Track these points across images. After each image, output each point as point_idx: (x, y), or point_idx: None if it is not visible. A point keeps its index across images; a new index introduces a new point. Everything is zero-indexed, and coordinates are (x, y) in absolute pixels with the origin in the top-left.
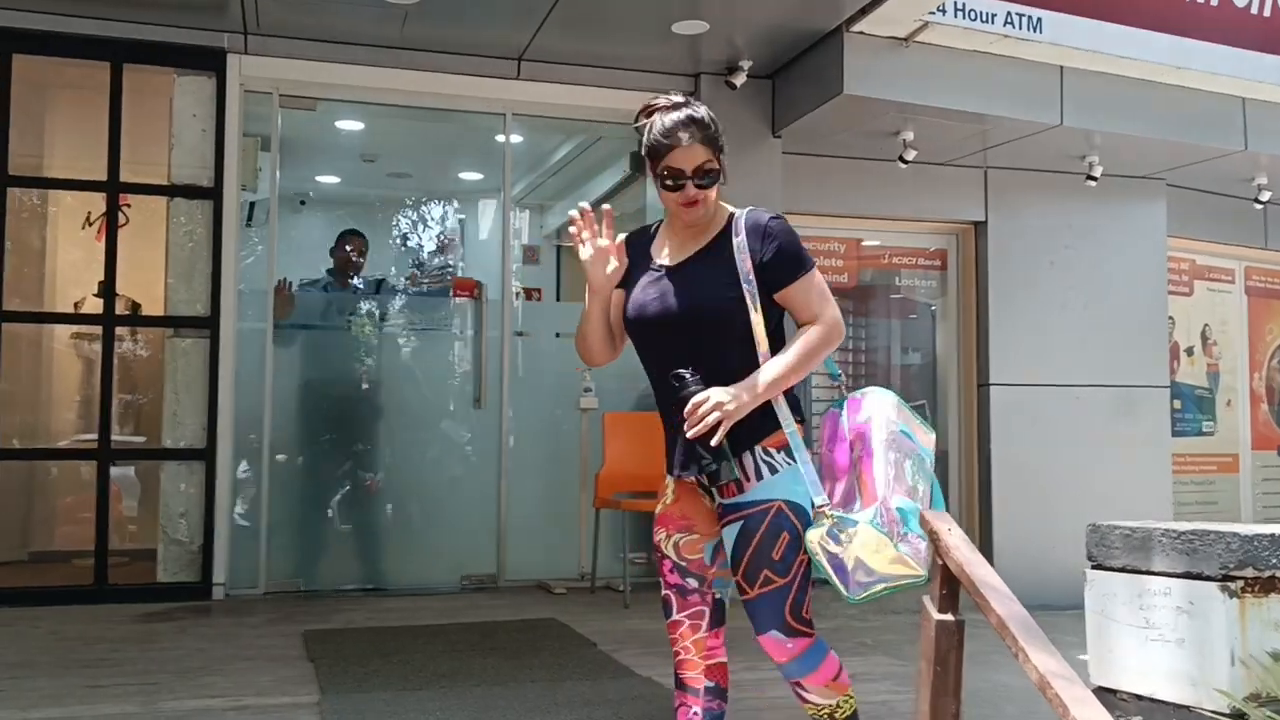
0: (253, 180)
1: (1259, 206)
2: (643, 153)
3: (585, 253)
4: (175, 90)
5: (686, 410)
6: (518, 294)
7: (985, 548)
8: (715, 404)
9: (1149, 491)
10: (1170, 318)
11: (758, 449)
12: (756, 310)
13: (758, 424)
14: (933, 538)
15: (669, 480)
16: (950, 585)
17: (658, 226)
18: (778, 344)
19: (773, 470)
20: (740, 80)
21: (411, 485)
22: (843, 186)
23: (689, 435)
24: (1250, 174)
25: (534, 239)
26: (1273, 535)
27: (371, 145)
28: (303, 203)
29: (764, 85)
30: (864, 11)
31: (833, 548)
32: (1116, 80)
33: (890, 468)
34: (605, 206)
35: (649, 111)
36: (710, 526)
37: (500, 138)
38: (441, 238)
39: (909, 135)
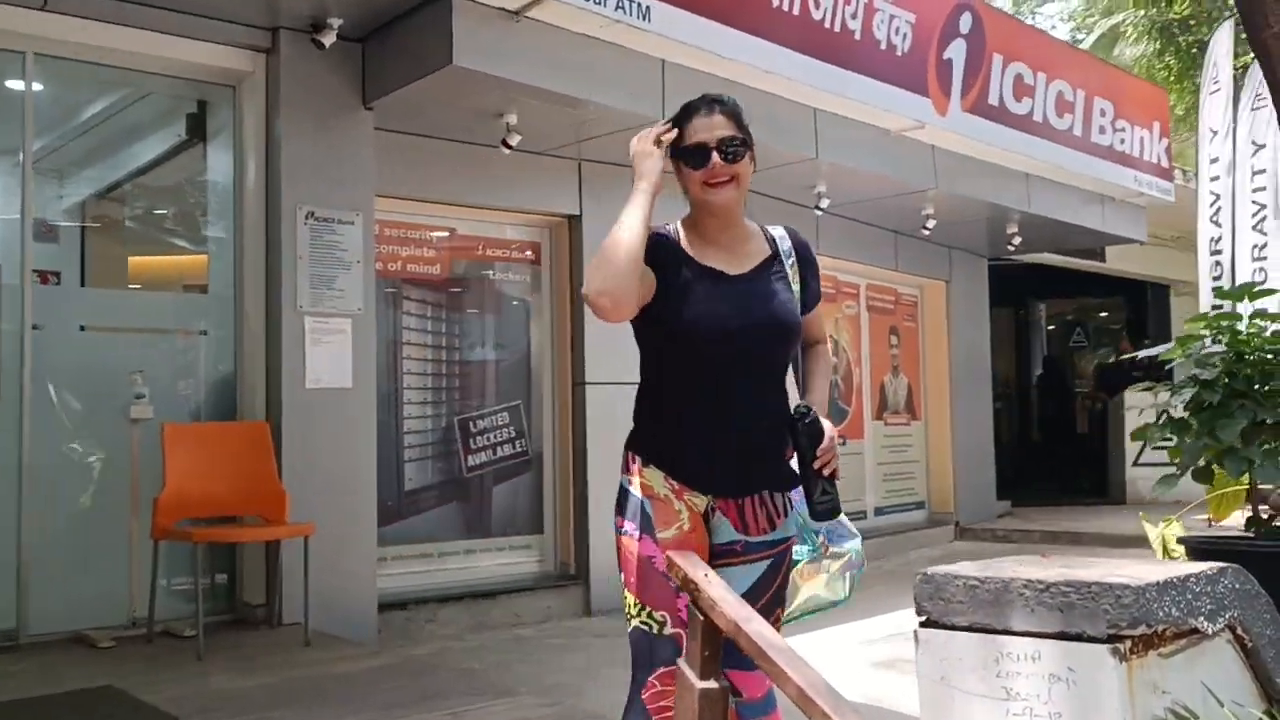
0: None
1: (818, 213)
2: (670, 156)
3: (642, 143)
4: None
5: (823, 448)
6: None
7: (582, 555)
8: (836, 439)
9: None
10: None
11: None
12: (800, 334)
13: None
14: (688, 588)
15: (679, 506)
16: (712, 646)
17: (676, 228)
18: None
19: (789, 508)
20: (329, 40)
21: None
22: (439, 170)
23: (828, 473)
24: (813, 182)
25: (52, 213)
26: (1161, 583)
27: None
28: None
29: (356, 50)
30: None
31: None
32: (711, 80)
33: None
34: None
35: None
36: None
37: (17, 84)
38: None
39: (513, 118)
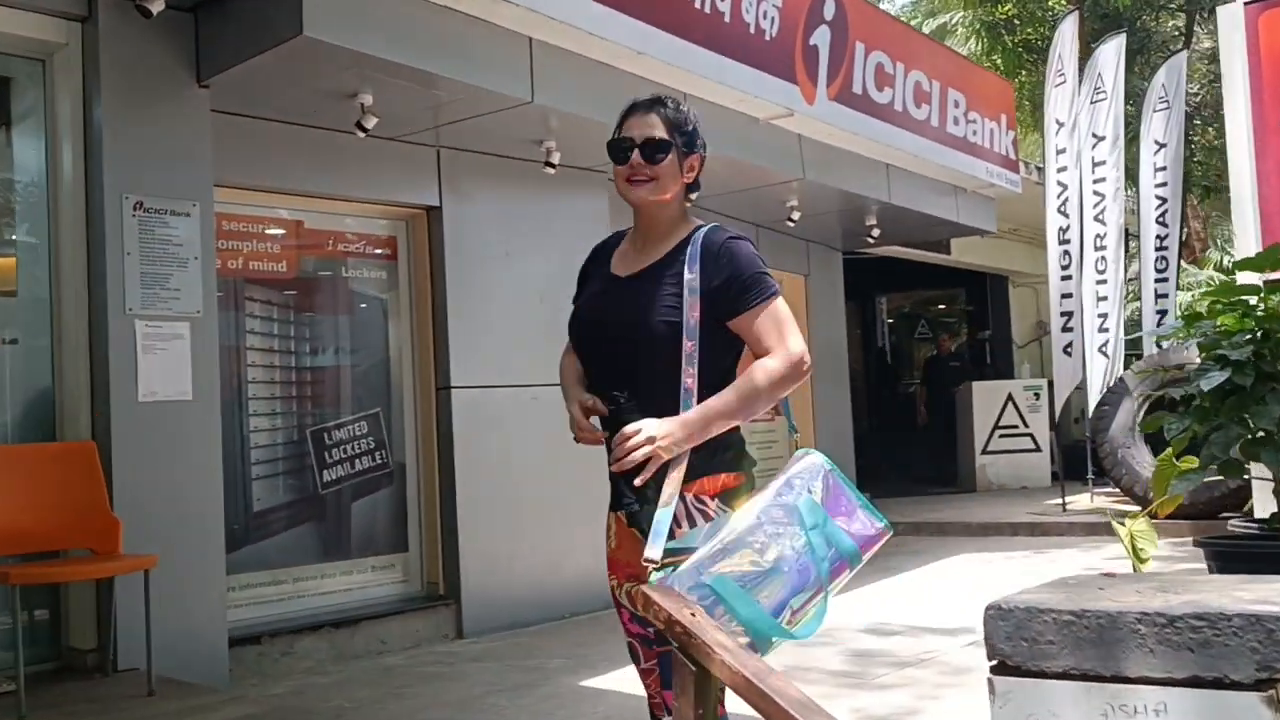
0: None
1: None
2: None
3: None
4: None
5: (615, 439)
6: None
7: (452, 573)
8: (647, 438)
9: (602, 488)
10: None
11: (689, 494)
12: (693, 339)
13: (693, 464)
14: (672, 632)
15: (609, 518)
16: (705, 699)
17: (629, 231)
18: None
19: (705, 519)
20: (157, 7)
21: None
22: (285, 157)
23: (612, 468)
24: None
25: None
26: None
27: None
28: None
29: (189, 19)
30: None
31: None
32: (582, 60)
33: (741, 535)
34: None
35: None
36: None
37: None
38: None
39: (368, 99)
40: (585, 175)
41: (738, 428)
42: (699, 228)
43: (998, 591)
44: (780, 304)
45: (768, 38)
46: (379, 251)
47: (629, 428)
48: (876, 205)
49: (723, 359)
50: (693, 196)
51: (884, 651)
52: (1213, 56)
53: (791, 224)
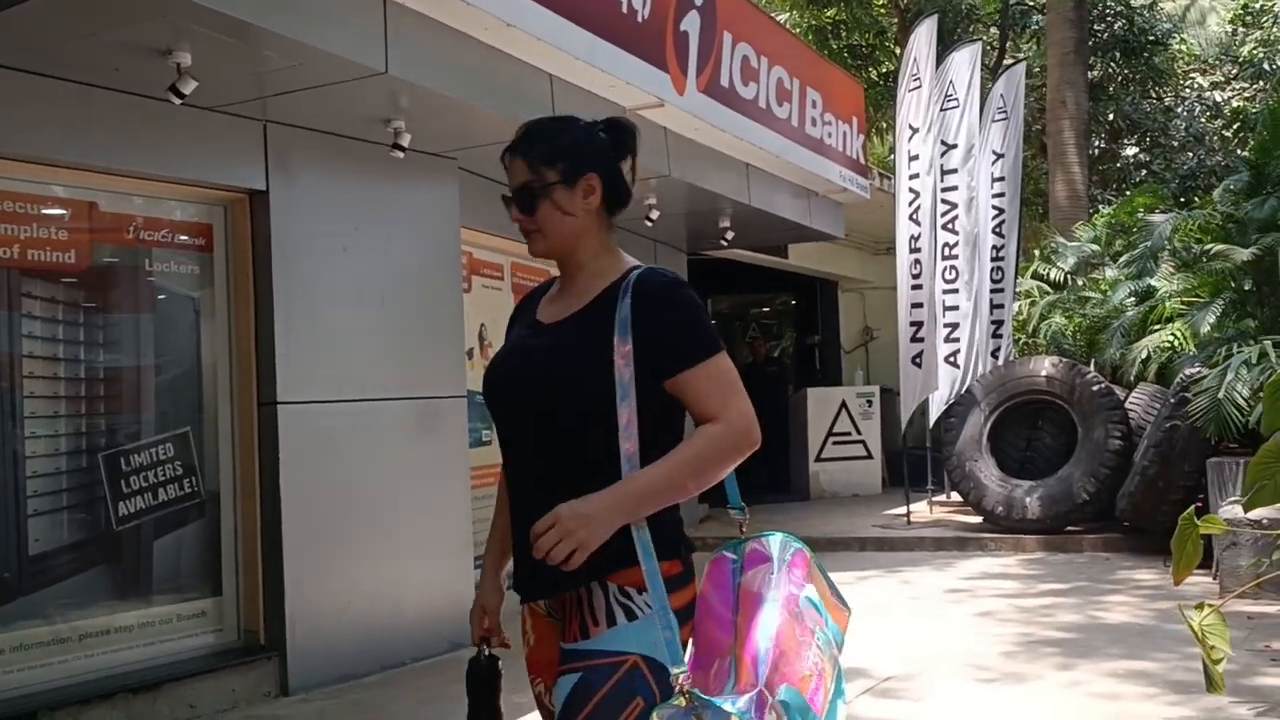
0: None
1: None
2: None
3: None
4: None
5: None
6: None
7: (275, 619)
8: (564, 530)
9: (452, 516)
10: None
11: (612, 585)
12: (627, 397)
13: (616, 549)
14: None
15: (523, 611)
16: None
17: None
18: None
19: (630, 616)
20: None
21: None
22: (74, 124)
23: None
24: None
25: None
26: None
27: None
28: None
29: None
30: None
31: None
32: (443, 30)
33: (782, 644)
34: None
35: None
36: None
37: None
38: None
39: (185, 58)
40: (436, 161)
41: (676, 505)
42: (634, 269)
43: (873, 622)
44: (726, 362)
45: (640, 19)
46: (191, 241)
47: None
48: (734, 207)
49: (666, 427)
50: (613, 218)
51: None
52: (1028, 71)
53: (650, 224)
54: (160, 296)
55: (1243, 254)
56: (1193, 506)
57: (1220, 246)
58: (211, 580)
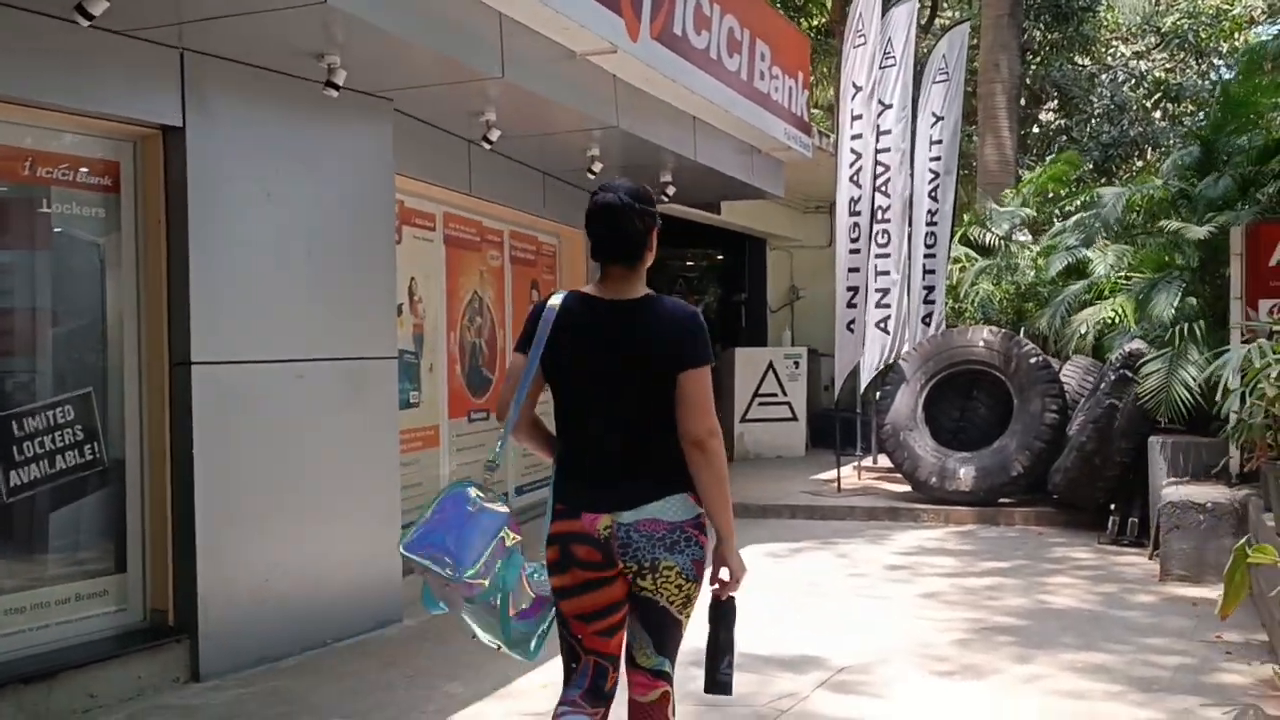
0: None
1: (488, 147)
2: None
3: None
4: None
5: (723, 588)
6: None
7: (186, 597)
8: (736, 580)
9: (379, 485)
10: None
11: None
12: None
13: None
14: None
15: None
16: None
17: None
18: None
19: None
20: None
21: None
22: None
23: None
24: (481, 108)
25: None
26: None
27: None
28: None
29: None
30: None
31: None
32: None
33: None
34: None
35: None
36: None
37: None
38: None
39: None
40: (370, 101)
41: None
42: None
43: (817, 604)
44: (709, 376)
45: None
46: (95, 180)
47: (727, 578)
48: (677, 160)
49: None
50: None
51: (729, 701)
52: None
53: (592, 175)
54: (59, 242)
55: (1198, 232)
56: (1245, 539)
57: (1176, 224)
58: (115, 556)
